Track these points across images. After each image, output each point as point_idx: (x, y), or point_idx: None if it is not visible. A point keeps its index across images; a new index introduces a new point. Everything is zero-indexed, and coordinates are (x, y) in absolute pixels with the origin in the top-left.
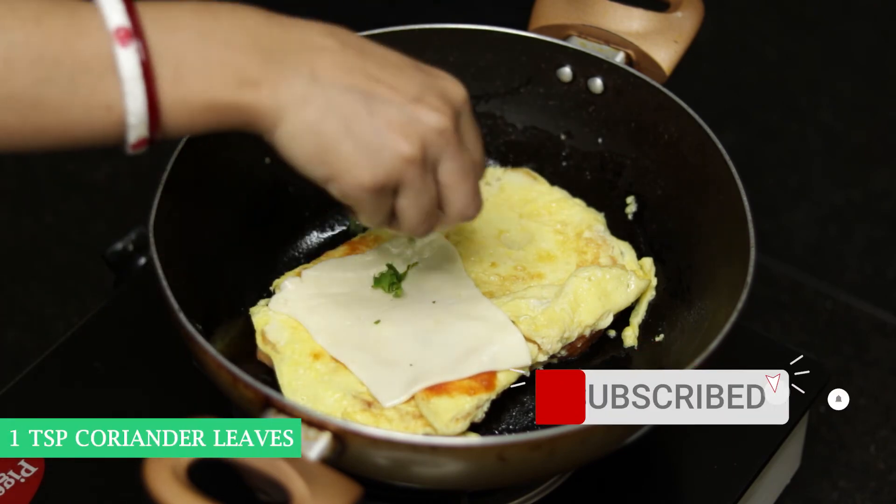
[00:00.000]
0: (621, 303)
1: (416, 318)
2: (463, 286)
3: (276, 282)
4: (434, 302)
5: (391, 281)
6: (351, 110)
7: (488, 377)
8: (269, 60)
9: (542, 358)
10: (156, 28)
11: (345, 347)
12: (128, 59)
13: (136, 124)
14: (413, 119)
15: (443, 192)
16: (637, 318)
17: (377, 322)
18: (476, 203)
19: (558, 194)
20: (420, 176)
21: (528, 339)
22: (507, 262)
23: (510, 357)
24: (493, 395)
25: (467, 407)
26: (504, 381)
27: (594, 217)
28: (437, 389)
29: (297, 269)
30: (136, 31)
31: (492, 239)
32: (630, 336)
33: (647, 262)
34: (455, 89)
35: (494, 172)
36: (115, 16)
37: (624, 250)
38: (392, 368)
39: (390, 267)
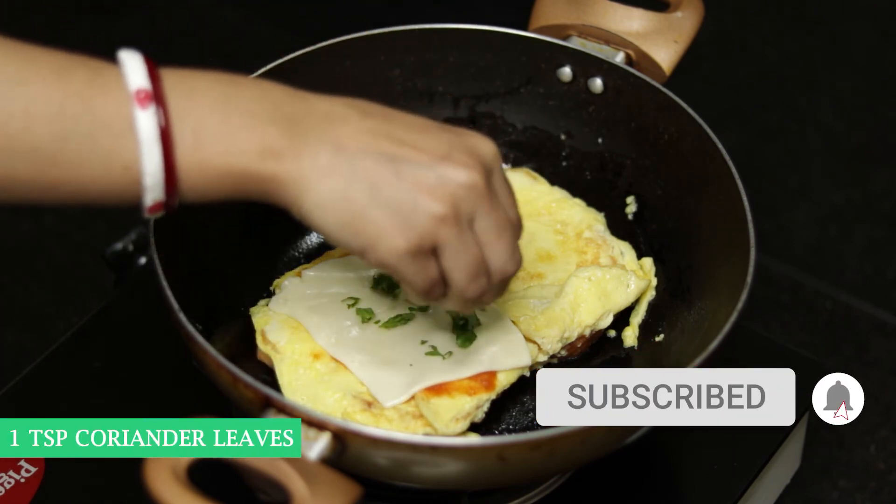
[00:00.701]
0: (621, 303)
1: (415, 318)
2: None
3: (276, 282)
4: None
5: (391, 281)
6: (377, 175)
7: (488, 377)
8: (292, 131)
9: (542, 358)
10: (177, 93)
11: (345, 347)
12: (146, 121)
13: (153, 186)
14: (442, 177)
15: (483, 253)
16: (637, 318)
17: (377, 322)
18: (515, 259)
19: (558, 194)
20: (457, 234)
21: (527, 339)
22: None
23: (510, 357)
24: (493, 395)
25: (467, 407)
26: (504, 381)
27: (594, 217)
28: (437, 389)
29: (297, 269)
30: (156, 95)
31: None
32: (630, 336)
33: (647, 262)
34: (484, 146)
35: None
36: (137, 77)
37: (624, 250)
38: (392, 368)
39: None
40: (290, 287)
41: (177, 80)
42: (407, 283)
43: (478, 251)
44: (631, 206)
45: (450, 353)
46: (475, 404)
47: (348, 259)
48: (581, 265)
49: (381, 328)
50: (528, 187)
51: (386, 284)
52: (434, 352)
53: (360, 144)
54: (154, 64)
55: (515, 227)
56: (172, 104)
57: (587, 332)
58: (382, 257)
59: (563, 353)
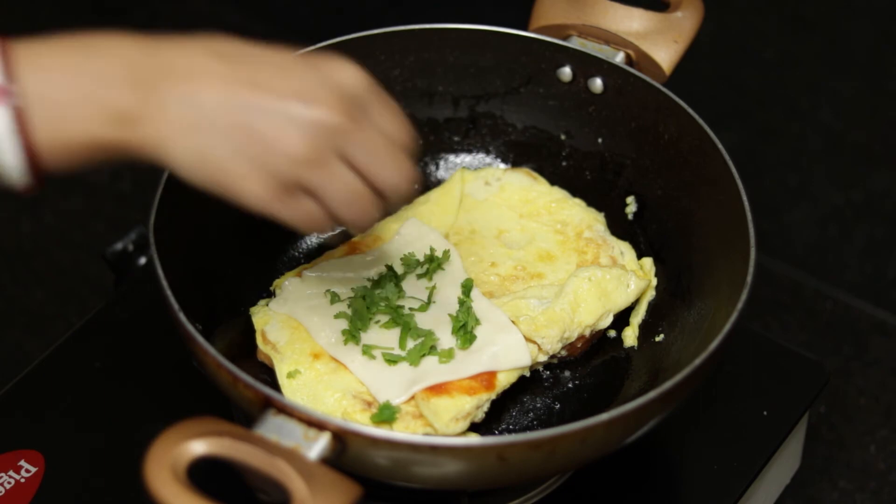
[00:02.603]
0: (621, 303)
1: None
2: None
3: (276, 282)
4: (434, 302)
5: (391, 282)
6: (234, 127)
7: (488, 377)
8: (148, 92)
9: (543, 358)
10: (31, 75)
11: (345, 347)
12: (2, 118)
13: (18, 176)
14: (297, 118)
15: (366, 178)
16: (637, 317)
17: (377, 322)
18: (402, 176)
19: (558, 194)
20: (320, 171)
21: (528, 339)
22: (506, 261)
23: (510, 357)
24: (493, 395)
25: (467, 407)
26: (504, 381)
27: (594, 217)
28: (437, 389)
29: (297, 269)
30: (9, 88)
31: (491, 239)
32: (630, 336)
33: (647, 262)
34: (347, 75)
35: (495, 173)
36: None
37: (624, 250)
38: (392, 369)
39: (389, 268)
40: (290, 287)
41: (30, 61)
42: (286, 223)
43: (351, 179)
44: (631, 206)
45: (450, 352)
46: (475, 404)
47: (348, 259)
48: (581, 265)
49: (381, 328)
50: (528, 187)
51: (386, 285)
52: (433, 352)
53: (216, 97)
54: (8, 47)
55: (398, 143)
56: (28, 88)
57: (587, 332)
58: (252, 205)
59: (563, 353)
